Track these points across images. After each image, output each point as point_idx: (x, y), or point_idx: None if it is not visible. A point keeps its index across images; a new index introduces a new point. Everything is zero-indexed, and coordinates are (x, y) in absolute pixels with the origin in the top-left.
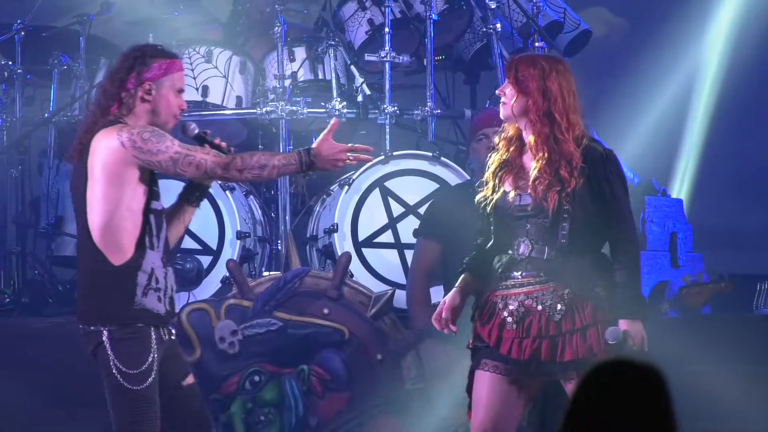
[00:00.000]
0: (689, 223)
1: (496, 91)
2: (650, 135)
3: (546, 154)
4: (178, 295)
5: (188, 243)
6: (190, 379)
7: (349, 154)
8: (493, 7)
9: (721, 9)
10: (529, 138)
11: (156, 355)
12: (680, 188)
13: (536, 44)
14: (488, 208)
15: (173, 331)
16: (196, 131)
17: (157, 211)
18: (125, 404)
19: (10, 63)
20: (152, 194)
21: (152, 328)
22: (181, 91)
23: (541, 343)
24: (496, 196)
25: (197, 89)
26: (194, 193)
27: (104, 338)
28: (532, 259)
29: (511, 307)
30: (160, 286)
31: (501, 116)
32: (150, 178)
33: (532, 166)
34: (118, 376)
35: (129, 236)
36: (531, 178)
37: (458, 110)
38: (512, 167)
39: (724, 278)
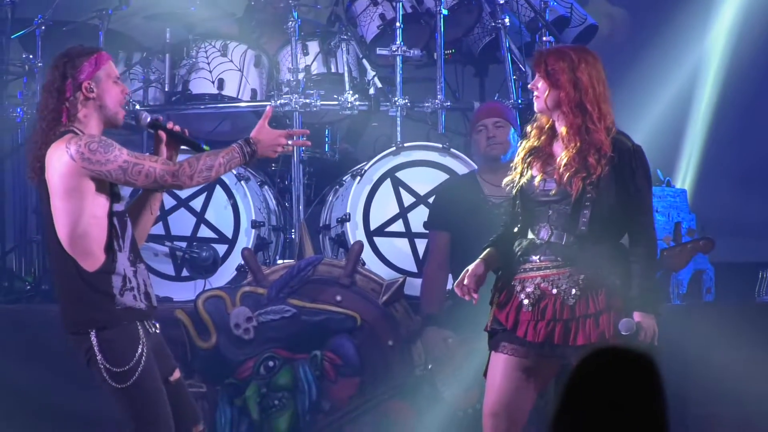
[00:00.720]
0: (693, 212)
1: (529, 86)
2: (655, 127)
3: (577, 144)
4: (195, 283)
5: (204, 232)
6: (176, 374)
7: (287, 139)
8: (501, 2)
9: (725, 1)
10: (562, 129)
11: (145, 348)
12: (684, 179)
13: (543, 38)
14: (514, 191)
15: (158, 326)
16: (149, 119)
17: (120, 213)
18: (128, 403)
19: (31, 57)
20: (114, 198)
21: (138, 323)
22: (117, 78)
23: (555, 326)
24: (522, 180)
25: (213, 82)
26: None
27: (93, 341)
28: (551, 244)
29: (528, 290)
30: (133, 285)
31: (535, 109)
32: (110, 183)
33: (562, 154)
34: (109, 379)
35: (97, 242)
36: (558, 165)
37: (467, 102)
38: (542, 154)
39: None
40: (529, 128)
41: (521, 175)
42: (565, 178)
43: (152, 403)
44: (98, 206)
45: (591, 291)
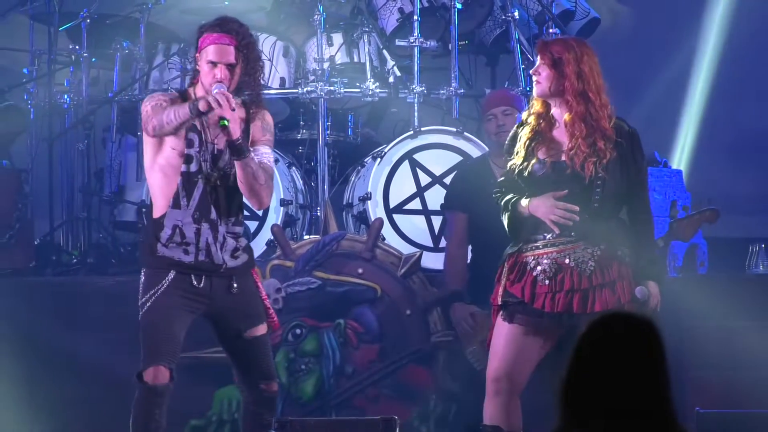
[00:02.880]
0: (688, 191)
1: (531, 71)
2: (653, 112)
3: (584, 131)
4: None
5: None
6: (254, 332)
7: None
8: None
9: None
10: (565, 116)
11: (161, 291)
12: (680, 160)
13: (550, 30)
14: (524, 174)
15: (234, 286)
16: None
17: (188, 174)
18: (140, 328)
19: (77, 47)
20: (186, 158)
21: (173, 272)
22: (211, 63)
23: (574, 295)
24: (530, 163)
25: None
26: (229, 150)
27: (141, 276)
28: None
29: (543, 265)
30: (188, 241)
31: (535, 94)
32: (183, 143)
33: (572, 141)
34: (139, 305)
35: (161, 194)
36: (568, 150)
37: (479, 90)
38: (544, 139)
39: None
40: (525, 115)
41: (526, 159)
42: (577, 163)
43: (148, 335)
44: (165, 160)
45: (604, 262)
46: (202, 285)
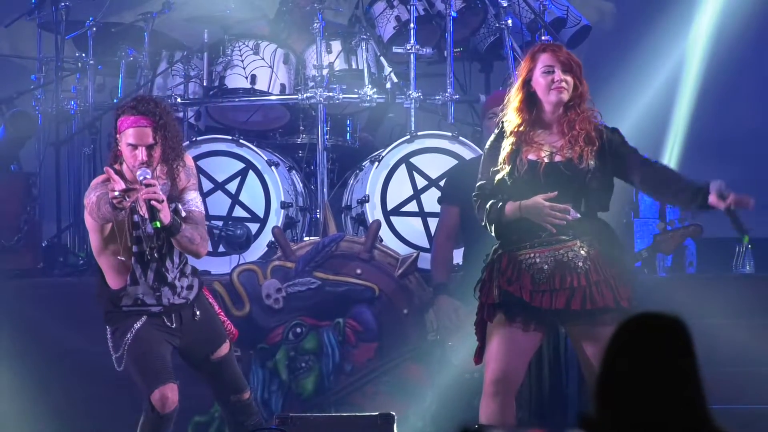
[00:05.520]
0: None
1: (556, 78)
2: (643, 114)
3: (586, 126)
4: (230, 257)
5: (238, 212)
6: (220, 353)
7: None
8: (504, 5)
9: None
10: (573, 116)
11: (137, 328)
12: (670, 161)
13: (542, 38)
14: (516, 178)
15: (198, 314)
16: (140, 177)
17: (141, 253)
18: (131, 373)
19: (84, 55)
20: (133, 240)
21: (145, 316)
22: (130, 145)
23: (573, 293)
24: (519, 168)
25: (246, 77)
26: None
27: (108, 335)
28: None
29: (541, 264)
30: (151, 304)
31: (563, 98)
32: (131, 225)
33: (570, 135)
34: (115, 361)
35: (116, 273)
36: (565, 145)
37: (474, 95)
38: (533, 144)
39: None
40: (509, 128)
41: (517, 166)
42: (576, 155)
43: (142, 364)
44: (117, 246)
45: (598, 260)
46: (174, 325)
